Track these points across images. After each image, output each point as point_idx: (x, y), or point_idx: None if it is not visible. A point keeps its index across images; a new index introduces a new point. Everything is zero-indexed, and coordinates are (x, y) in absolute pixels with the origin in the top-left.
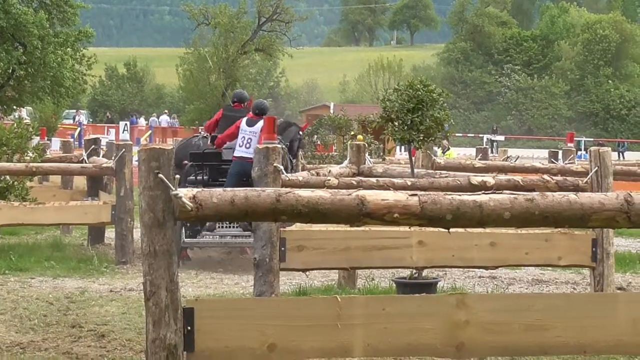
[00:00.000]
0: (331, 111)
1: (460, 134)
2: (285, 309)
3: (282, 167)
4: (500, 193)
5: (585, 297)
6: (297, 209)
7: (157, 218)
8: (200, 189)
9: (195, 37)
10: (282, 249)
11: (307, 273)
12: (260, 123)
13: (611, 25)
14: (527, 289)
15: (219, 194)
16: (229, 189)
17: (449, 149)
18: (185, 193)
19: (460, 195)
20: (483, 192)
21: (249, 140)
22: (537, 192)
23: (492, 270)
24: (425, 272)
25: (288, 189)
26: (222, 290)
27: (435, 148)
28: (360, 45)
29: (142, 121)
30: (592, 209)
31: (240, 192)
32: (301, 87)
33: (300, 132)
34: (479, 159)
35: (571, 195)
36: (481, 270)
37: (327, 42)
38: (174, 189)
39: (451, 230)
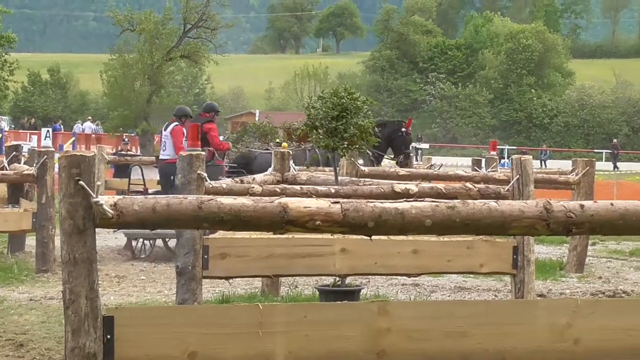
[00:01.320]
0: (256, 118)
1: None
2: (206, 317)
3: (205, 174)
4: (422, 201)
5: (505, 304)
6: (219, 216)
7: (77, 225)
8: (121, 197)
9: (120, 43)
10: (205, 256)
11: (231, 281)
12: (171, 126)
13: (534, 35)
14: (449, 296)
15: (140, 202)
16: (150, 196)
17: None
18: (106, 200)
19: (382, 202)
20: (405, 199)
21: (164, 143)
22: (459, 200)
23: (415, 277)
24: (348, 280)
25: (210, 197)
26: (144, 298)
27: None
28: (287, 53)
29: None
30: (512, 216)
31: (162, 199)
32: (227, 94)
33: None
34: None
35: (492, 203)
36: (404, 277)
37: (253, 50)
38: (94, 196)
39: (374, 238)
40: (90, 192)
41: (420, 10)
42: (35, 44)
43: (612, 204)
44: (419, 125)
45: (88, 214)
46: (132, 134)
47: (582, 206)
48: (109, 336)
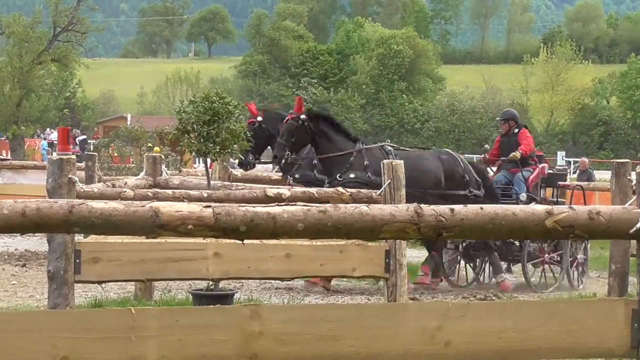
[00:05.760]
0: (128, 123)
1: None
2: (77, 321)
3: (76, 179)
4: (294, 205)
5: (377, 307)
6: (90, 220)
7: None
8: None
9: None
10: (77, 260)
11: (103, 285)
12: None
13: (404, 41)
14: (323, 299)
15: (9, 205)
16: (20, 200)
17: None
18: None
19: (254, 206)
20: (277, 203)
21: None
22: (331, 204)
23: (288, 281)
24: (222, 284)
25: (81, 201)
26: (15, 303)
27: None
28: (158, 57)
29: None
30: (383, 220)
31: (32, 203)
32: (98, 98)
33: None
34: (276, 172)
35: (363, 207)
36: (278, 281)
37: (124, 54)
38: None
39: (248, 242)
40: None
41: (291, 16)
42: None
43: (481, 208)
44: None
45: None
46: (2, 138)
47: (452, 210)
48: None
